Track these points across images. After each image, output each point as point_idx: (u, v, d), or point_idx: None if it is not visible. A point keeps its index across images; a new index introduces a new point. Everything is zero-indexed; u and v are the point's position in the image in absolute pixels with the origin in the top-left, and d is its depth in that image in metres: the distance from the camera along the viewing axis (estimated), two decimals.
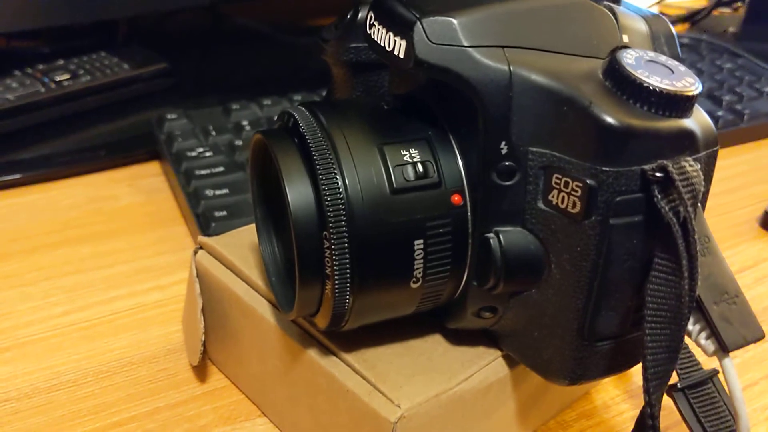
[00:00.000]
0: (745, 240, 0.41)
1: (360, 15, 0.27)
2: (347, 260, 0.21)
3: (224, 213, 0.38)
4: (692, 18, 0.73)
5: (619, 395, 0.31)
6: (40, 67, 0.51)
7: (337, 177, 0.21)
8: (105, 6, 0.50)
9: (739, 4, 0.76)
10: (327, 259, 0.22)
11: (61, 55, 0.53)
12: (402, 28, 0.21)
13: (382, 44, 0.22)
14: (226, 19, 0.64)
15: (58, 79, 0.49)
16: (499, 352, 0.25)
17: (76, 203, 0.43)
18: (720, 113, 0.52)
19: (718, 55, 0.61)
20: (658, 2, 0.74)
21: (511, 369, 0.25)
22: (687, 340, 0.23)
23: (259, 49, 0.62)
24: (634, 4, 0.73)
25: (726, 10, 0.77)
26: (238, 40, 0.63)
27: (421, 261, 0.22)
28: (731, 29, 0.69)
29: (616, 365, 0.24)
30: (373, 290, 0.22)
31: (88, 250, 0.39)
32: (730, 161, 0.51)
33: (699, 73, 0.57)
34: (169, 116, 0.46)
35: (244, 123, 0.46)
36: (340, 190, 0.21)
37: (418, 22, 0.21)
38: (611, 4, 0.23)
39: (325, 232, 0.21)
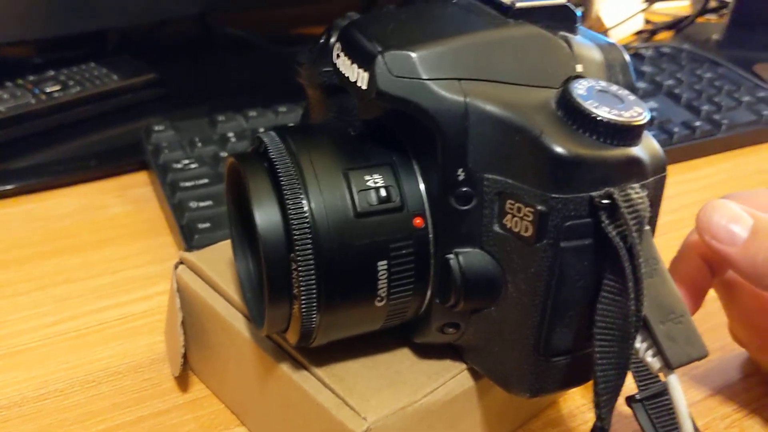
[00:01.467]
0: None
1: (332, 40, 0.28)
2: (313, 281, 0.23)
3: (207, 225, 0.39)
4: (677, 25, 0.74)
5: (585, 404, 0.32)
6: (31, 78, 0.52)
7: (304, 201, 0.23)
8: (94, 17, 0.51)
9: (724, 11, 0.77)
10: (294, 280, 0.23)
11: (52, 66, 0.54)
12: (365, 60, 0.23)
13: (347, 75, 0.24)
14: (215, 30, 0.65)
15: (48, 90, 0.50)
16: (464, 365, 0.27)
17: (67, 213, 0.44)
18: (698, 123, 0.53)
19: (698, 64, 0.61)
20: (644, 10, 0.74)
21: (476, 381, 0.27)
22: None
23: (246, 59, 0.63)
24: (617, 15, 0.73)
25: (711, 17, 0.78)
26: (227, 51, 0.64)
27: (385, 281, 0.23)
28: (715, 36, 0.70)
29: (574, 379, 0.25)
30: (340, 309, 0.24)
31: (78, 260, 0.40)
32: (708, 171, 0.52)
33: (678, 82, 0.58)
34: (156, 128, 0.47)
35: (230, 135, 0.47)
36: (307, 214, 0.22)
37: (380, 56, 0.22)
38: (567, 34, 0.24)
39: (292, 255, 0.23)
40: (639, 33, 0.75)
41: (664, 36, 0.74)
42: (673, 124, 0.53)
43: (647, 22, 0.77)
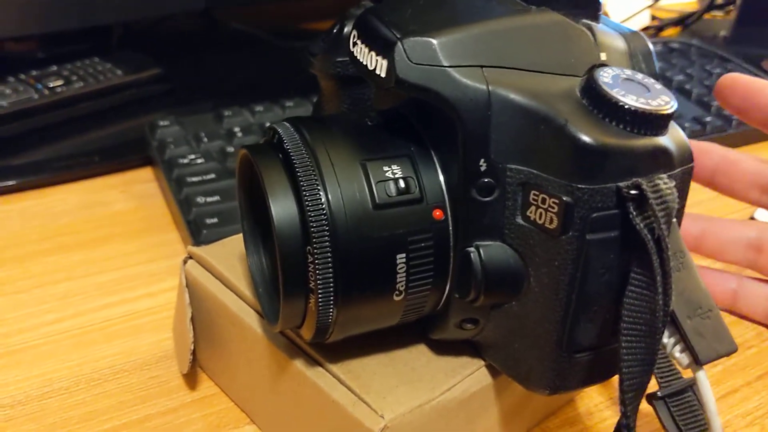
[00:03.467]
0: None
1: (345, 30, 0.27)
2: (330, 274, 0.22)
3: (215, 220, 0.38)
4: (684, 22, 0.73)
5: (602, 402, 0.31)
6: (34, 73, 0.51)
7: (321, 193, 0.22)
8: (98, 11, 0.51)
9: (730, 7, 0.76)
10: (311, 273, 0.22)
11: (55, 60, 0.53)
12: (383, 47, 0.22)
13: (365, 63, 0.23)
14: (220, 24, 0.64)
15: (51, 85, 0.50)
16: (482, 362, 0.26)
17: (70, 209, 0.43)
18: (708, 119, 0.52)
19: (707, 60, 0.61)
20: (651, 6, 0.74)
21: (494, 378, 0.26)
22: None
23: (252, 54, 0.62)
24: (624, 10, 0.73)
25: (718, 14, 0.77)
26: (231, 45, 0.63)
27: (404, 274, 0.23)
28: (723, 33, 0.70)
29: (595, 376, 0.24)
30: (357, 304, 0.23)
31: (81, 256, 0.39)
32: None
33: (689, 78, 0.58)
34: (161, 123, 0.46)
35: (236, 129, 0.46)
36: (324, 205, 0.22)
37: (399, 43, 0.21)
38: (590, 22, 0.23)
39: (308, 247, 0.22)
40: (645, 29, 0.74)
41: (670, 32, 0.74)
42: (683, 120, 0.52)
43: (653, 18, 0.77)
